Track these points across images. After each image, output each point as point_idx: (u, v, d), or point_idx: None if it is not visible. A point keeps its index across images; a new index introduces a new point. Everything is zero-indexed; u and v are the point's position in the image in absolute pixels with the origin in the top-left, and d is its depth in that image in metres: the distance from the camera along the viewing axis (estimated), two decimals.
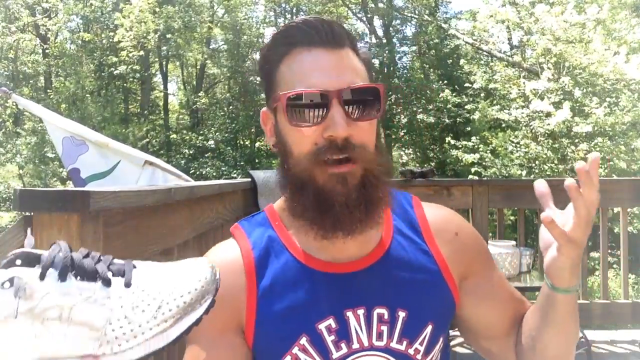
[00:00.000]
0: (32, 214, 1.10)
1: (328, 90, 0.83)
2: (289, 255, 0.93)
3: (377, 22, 18.08)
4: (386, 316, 0.90)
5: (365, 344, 0.89)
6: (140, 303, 0.58)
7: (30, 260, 0.60)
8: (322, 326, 0.89)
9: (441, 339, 0.95)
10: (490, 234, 4.20)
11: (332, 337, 0.89)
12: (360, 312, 0.90)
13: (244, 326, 0.90)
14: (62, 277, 0.58)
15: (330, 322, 0.89)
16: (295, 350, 0.88)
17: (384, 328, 0.90)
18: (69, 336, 0.56)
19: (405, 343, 0.90)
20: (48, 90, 15.80)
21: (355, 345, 0.89)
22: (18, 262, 0.60)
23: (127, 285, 0.59)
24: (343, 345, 0.89)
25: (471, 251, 1.00)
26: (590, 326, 3.65)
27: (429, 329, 0.92)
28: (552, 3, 10.40)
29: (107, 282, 0.59)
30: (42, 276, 0.57)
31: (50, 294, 0.57)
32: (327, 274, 0.91)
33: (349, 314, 0.89)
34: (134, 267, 0.63)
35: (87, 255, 0.62)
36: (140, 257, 1.59)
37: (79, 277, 0.58)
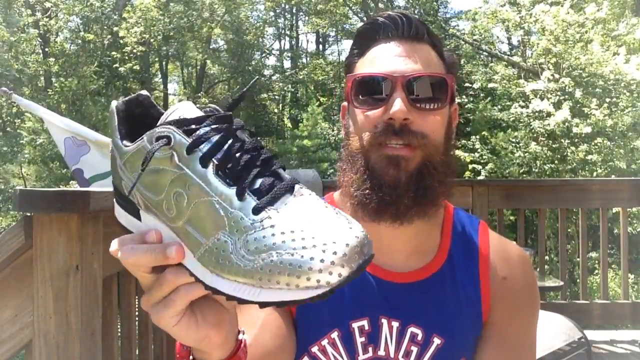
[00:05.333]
0: (32, 214, 1.10)
1: (392, 75, 0.82)
2: None
3: None
4: (420, 337, 0.87)
5: (392, 355, 0.88)
6: (253, 241, 0.47)
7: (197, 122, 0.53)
8: (355, 325, 0.87)
9: None
10: None
11: (363, 339, 0.87)
12: (395, 324, 0.87)
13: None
14: (204, 163, 0.50)
15: (365, 323, 0.87)
16: (325, 342, 0.87)
17: (414, 349, 0.87)
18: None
19: None
20: (48, 90, 15.78)
21: (381, 353, 0.88)
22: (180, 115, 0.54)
23: (256, 211, 0.48)
24: (370, 349, 0.88)
25: (513, 301, 0.92)
26: (590, 326, 3.64)
27: None
28: (551, 3, 10.38)
29: (240, 195, 0.49)
30: (189, 150, 0.50)
31: (188, 172, 0.50)
32: (375, 277, 0.88)
33: (384, 321, 0.87)
34: (287, 192, 0.50)
35: (250, 149, 0.52)
36: None
37: (219, 172, 0.50)
